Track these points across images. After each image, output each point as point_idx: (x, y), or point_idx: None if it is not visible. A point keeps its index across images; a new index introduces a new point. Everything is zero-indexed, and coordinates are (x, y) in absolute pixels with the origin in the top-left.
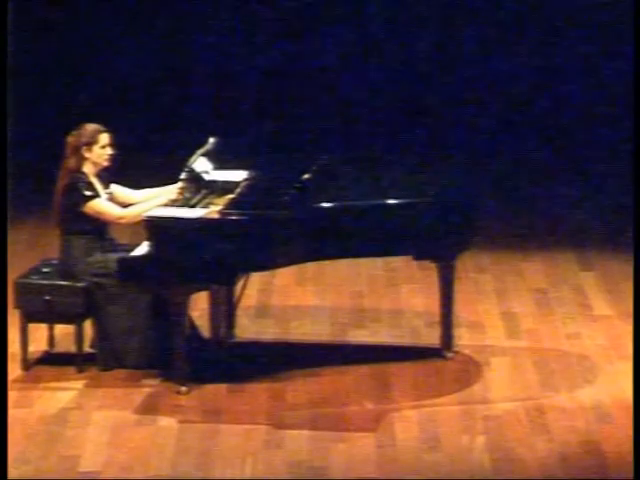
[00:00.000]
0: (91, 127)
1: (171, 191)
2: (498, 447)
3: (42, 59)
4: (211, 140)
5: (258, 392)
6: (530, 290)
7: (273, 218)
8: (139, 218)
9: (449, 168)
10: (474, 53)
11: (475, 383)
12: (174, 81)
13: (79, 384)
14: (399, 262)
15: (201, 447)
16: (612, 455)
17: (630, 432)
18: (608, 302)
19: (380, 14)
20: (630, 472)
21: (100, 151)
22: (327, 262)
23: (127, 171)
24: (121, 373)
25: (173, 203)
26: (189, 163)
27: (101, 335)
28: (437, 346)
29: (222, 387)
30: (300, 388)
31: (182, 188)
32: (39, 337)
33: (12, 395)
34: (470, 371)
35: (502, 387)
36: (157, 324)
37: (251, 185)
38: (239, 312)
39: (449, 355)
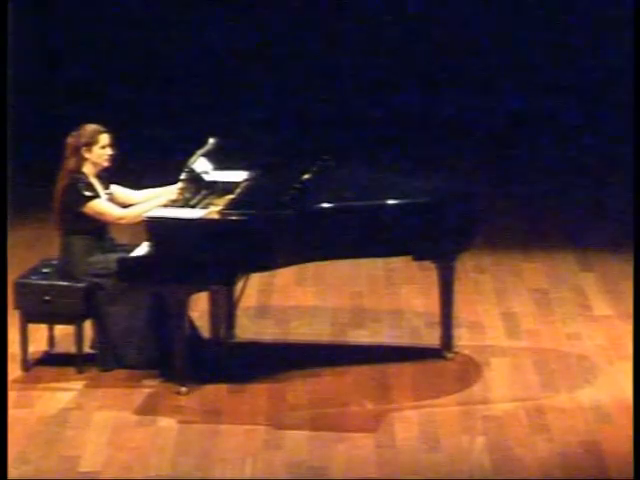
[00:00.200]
0: (91, 127)
1: (171, 191)
2: (498, 447)
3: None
4: (211, 140)
5: (258, 392)
6: (530, 290)
7: (273, 218)
8: (139, 218)
9: (448, 169)
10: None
11: (475, 383)
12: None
13: (79, 384)
14: (399, 262)
15: (201, 447)
16: (612, 455)
17: (630, 432)
18: (608, 302)
19: (380, 12)
20: (630, 472)
21: (100, 151)
22: (327, 262)
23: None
24: (121, 373)
25: (173, 203)
26: (189, 163)
27: (101, 335)
28: (437, 346)
29: (222, 387)
30: (300, 388)
31: (182, 188)
32: (39, 337)
33: (12, 395)
34: (470, 371)
35: (502, 387)
36: (157, 324)
37: (251, 185)
38: (239, 312)
39: (449, 355)
